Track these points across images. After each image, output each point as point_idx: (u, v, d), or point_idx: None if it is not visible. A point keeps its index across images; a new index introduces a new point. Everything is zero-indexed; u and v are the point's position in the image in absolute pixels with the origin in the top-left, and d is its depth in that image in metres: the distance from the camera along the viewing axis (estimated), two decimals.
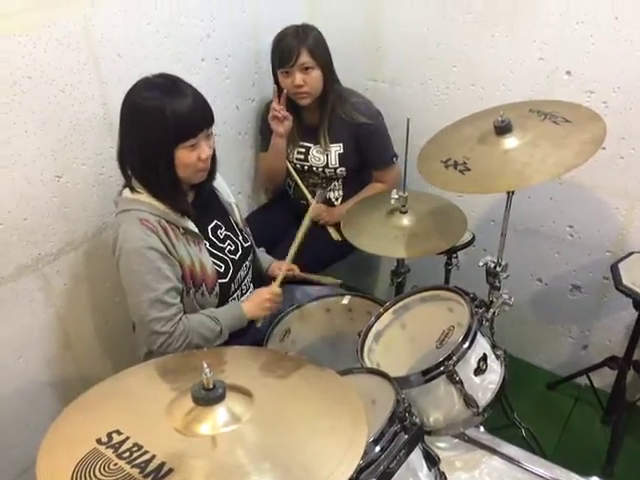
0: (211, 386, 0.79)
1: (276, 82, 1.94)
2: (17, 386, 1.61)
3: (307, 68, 1.86)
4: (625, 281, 1.66)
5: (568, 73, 1.74)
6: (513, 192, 1.45)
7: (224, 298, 1.57)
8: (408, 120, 1.54)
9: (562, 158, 1.28)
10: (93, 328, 1.79)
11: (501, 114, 1.38)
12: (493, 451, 1.32)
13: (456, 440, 1.35)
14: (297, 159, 2.08)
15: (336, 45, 1.93)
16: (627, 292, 1.64)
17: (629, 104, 1.68)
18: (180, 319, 1.44)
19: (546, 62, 1.76)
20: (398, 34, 2.02)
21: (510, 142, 1.37)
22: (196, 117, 1.35)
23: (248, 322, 1.58)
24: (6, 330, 1.54)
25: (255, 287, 1.73)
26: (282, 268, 1.69)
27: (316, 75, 1.88)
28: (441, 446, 1.32)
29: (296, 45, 1.83)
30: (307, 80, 1.87)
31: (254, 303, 1.58)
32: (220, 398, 0.79)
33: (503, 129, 1.37)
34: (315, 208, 1.74)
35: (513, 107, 1.49)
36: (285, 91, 1.91)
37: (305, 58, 1.84)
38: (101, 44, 1.54)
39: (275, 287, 1.61)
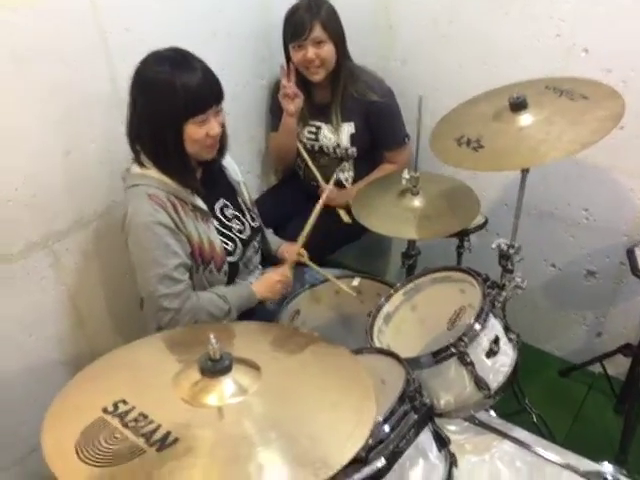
0: (218, 357, 0.78)
1: (287, 57, 1.92)
2: (28, 363, 1.61)
3: (320, 42, 1.83)
4: None
5: (585, 50, 1.69)
6: (528, 171, 1.41)
7: (233, 277, 1.57)
8: (420, 98, 1.51)
9: (579, 135, 1.24)
10: (104, 305, 1.79)
11: (517, 90, 1.34)
12: (504, 435, 1.29)
13: (466, 423, 1.33)
14: (308, 138, 2.05)
15: (347, 23, 1.89)
16: None
17: None
18: (188, 296, 1.43)
19: (563, 39, 1.71)
20: (410, 11, 1.98)
21: (525, 119, 1.33)
22: (205, 92, 1.33)
23: (257, 303, 1.56)
24: (17, 307, 1.54)
25: (264, 268, 1.72)
26: (292, 251, 1.67)
27: (329, 49, 1.84)
28: (451, 429, 1.30)
29: (309, 19, 1.80)
30: (320, 54, 1.84)
31: (265, 285, 1.57)
32: (227, 370, 0.78)
33: (518, 106, 1.33)
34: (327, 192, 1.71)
35: (529, 84, 1.45)
36: (294, 68, 1.88)
37: (318, 32, 1.81)
38: (108, 17, 1.52)
39: (286, 270, 1.61)
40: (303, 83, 1.93)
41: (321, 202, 1.67)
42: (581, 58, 1.70)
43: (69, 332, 1.70)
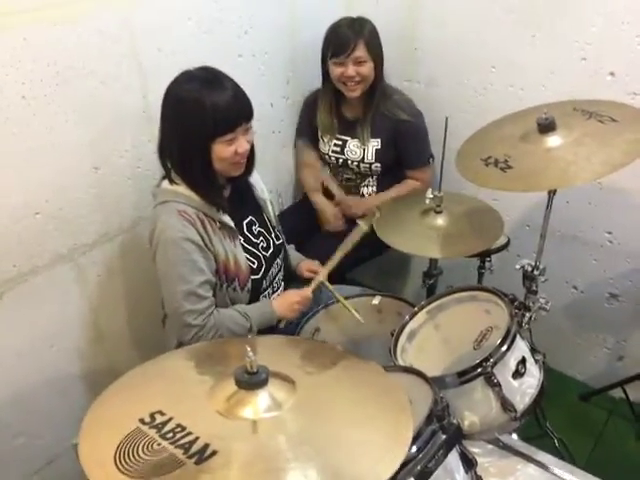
0: (255, 370, 0.78)
1: (324, 72, 1.95)
2: (47, 375, 1.63)
3: (361, 61, 1.86)
4: None
5: (612, 74, 1.70)
6: (555, 192, 1.41)
7: (255, 294, 1.56)
8: (447, 119, 1.53)
9: (609, 157, 1.24)
10: (125, 322, 1.80)
11: (545, 112, 1.34)
12: (528, 458, 1.27)
13: (490, 446, 1.31)
14: (333, 151, 2.07)
15: None
16: None
17: None
18: (212, 313, 1.44)
19: (588, 63, 1.72)
20: (436, 34, 2.00)
21: (554, 140, 1.33)
22: (235, 111, 1.35)
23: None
24: (40, 318, 1.55)
25: (285, 285, 1.72)
26: (317, 274, 1.68)
27: (369, 67, 1.88)
28: (475, 451, 1.27)
29: (353, 37, 1.83)
30: (360, 71, 1.87)
31: (284, 303, 1.57)
32: (263, 383, 0.78)
33: (547, 127, 1.34)
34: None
35: (556, 106, 1.45)
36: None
37: (361, 52, 1.85)
38: (142, 37, 1.56)
39: (308, 292, 1.60)
40: (335, 97, 1.98)
41: (354, 236, 1.66)
42: (607, 82, 1.71)
43: (88, 346, 1.71)
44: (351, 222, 1.98)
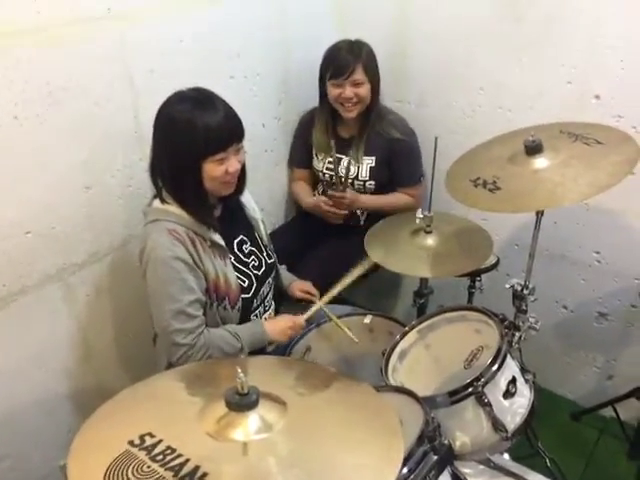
0: (245, 391, 0.78)
1: (322, 92, 1.99)
2: (35, 396, 1.61)
3: (359, 83, 1.90)
4: None
5: (597, 97, 1.74)
6: (542, 213, 1.43)
7: (246, 313, 1.56)
8: (436, 139, 1.55)
9: (595, 178, 1.26)
10: (113, 340, 1.79)
11: (532, 134, 1.37)
12: (520, 478, 1.27)
13: (482, 466, 1.31)
14: (327, 168, 2.09)
15: None
16: None
17: None
18: (202, 332, 1.43)
19: (574, 86, 1.76)
20: (426, 56, 2.04)
21: (541, 162, 1.36)
22: (226, 131, 1.36)
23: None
24: (28, 339, 1.54)
25: (276, 304, 1.72)
26: (308, 292, 1.71)
27: (366, 89, 1.93)
28: (467, 472, 1.27)
29: (352, 60, 1.89)
30: (358, 93, 1.92)
31: (277, 328, 1.56)
32: (254, 404, 0.78)
33: (534, 149, 1.36)
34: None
35: (543, 128, 1.48)
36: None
37: (359, 75, 1.90)
38: (135, 59, 1.58)
39: (302, 320, 1.60)
40: (332, 117, 2.03)
41: (357, 272, 1.66)
42: (592, 104, 1.74)
43: (77, 365, 1.69)
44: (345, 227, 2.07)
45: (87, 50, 1.46)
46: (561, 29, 1.72)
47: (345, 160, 2.05)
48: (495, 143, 1.54)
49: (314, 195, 2.21)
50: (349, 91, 1.91)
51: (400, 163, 2.04)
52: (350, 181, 2.07)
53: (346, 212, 2.07)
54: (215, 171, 1.37)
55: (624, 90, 1.68)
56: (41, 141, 1.43)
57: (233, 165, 1.39)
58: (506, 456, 1.42)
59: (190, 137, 1.33)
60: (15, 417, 1.56)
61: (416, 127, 2.07)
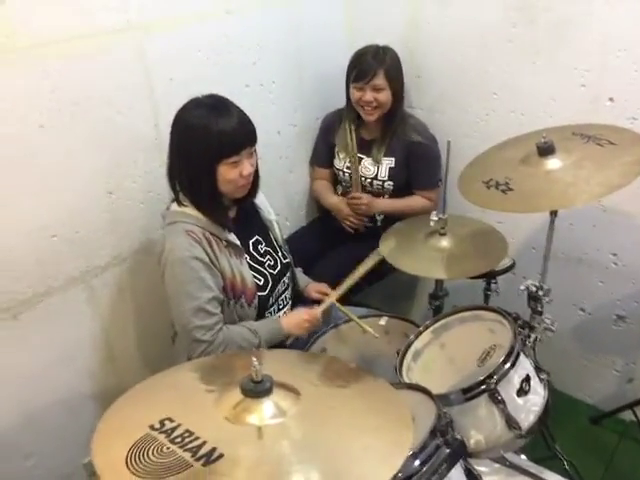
0: (259, 379, 0.81)
1: (348, 94, 2.03)
2: (59, 396, 1.65)
3: (380, 89, 1.94)
4: None
5: (611, 100, 1.74)
6: (556, 213, 1.44)
7: (262, 311, 1.60)
8: (449, 142, 1.57)
9: (607, 178, 1.27)
10: (135, 341, 1.83)
11: (544, 136, 1.38)
12: (535, 477, 1.28)
13: (497, 465, 1.32)
14: (347, 167, 2.12)
15: None
16: None
17: None
18: (221, 329, 1.47)
19: (588, 89, 1.77)
20: (437, 61, 2.07)
21: (553, 163, 1.37)
22: (240, 135, 1.41)
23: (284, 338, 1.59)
24: (53, 339, 1.59)
25: (293, 304, 1.75)
26: (325, 294, 1.72)
27: (386, 95, 1.96)
28: (482, 470, 1.28)
29: (374, 65, 1.93)
30: (378, 98, 1.96)
31: (293, 321, 1.60)
32: (268, 391, 0.81)
33: (546, 150, 1.38)
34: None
35: (555, 130, 1.49)
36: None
37: (380, 80, 1.93)
38: (155, 69, 1.63)
39: (317, 311, 1.63)
40: (356, 118, 2.07)
41: (367, 265, 1.71)
42: (607, 107, 1.75)
43: (100, 366, 1.73)
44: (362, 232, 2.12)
45: (109, 60, 1.52)
46: (574, 32, 1.74)
47: (365, 161, 2.09)
48: (508, 145, 1.56)
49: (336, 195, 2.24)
50: (369, 95, 1.95)
51: (419, 166, 2.07)
52: (369, 181, 2.10)
53: (363, 220, 2.11)
54: (229, 174, 1.41)
55: (638, 92, 1.69)
56: (66, 148, 1.48)
57: (247, 168, 1.44)
58: (523, 457, 1.42)
59: (205, 141, 1.38)
60: (40, 416, 1.61)
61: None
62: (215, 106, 1.41)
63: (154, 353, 1.87)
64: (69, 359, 1.64)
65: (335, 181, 2.27)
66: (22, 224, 1.44)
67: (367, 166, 2.10)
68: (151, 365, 1.88)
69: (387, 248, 1.67)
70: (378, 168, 2.08)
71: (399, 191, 2.11)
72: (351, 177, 2.13)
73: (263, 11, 1.90)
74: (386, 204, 2.11)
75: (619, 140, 1.39)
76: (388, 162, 2.06)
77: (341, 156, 2.15)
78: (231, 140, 1.39)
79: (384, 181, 2.08)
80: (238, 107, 1.45)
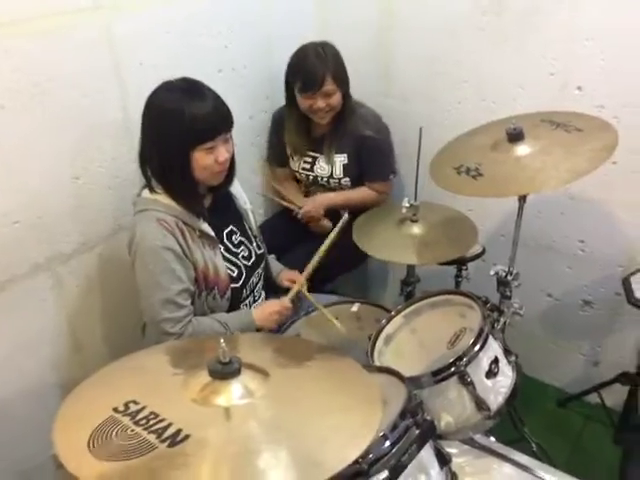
0: (227, 360, 0.80)
1: (290, 97, 1.97)
2: (26, 386, 1.62)
3: (330, 94, 1.88)
4: (638, 294, 1.65)
5: (579, 88, 1.77)
6: (525, 199, 1.45)
7: (235, 303, 1.58)
8: (421, 129, 1.57)
9: (575, 164, 1.29)
10: (102, 331, 1.80)
11: (513, 122, 1.40)
12: (504, 458, 1.30)
13: (466, 446, 1.33)
14: (303, 169, 2.11)
15: (347, 61, 1.95)
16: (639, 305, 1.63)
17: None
18: (190, 321, 1.45)
19: (556, 77, 1.79)
20: (408, 50, 2.07)
21: (522, 149, 1.39)
22: (215, 120, 1.38)
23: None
24: (17, 328, 1.55)
25: (266, 294, 1.74)
26: (295, 282, 1.71)
27: (337, 98, 1.91)
28: (452, 452, 1.29)
29: (321, 71, 1.84)
30: (330, 103, 1.90)
31: (264, 313, 1.59)
32: (236, 373, 0.80)
33: (515, 136, 1.39)
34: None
35: (525, 117, 1.51)
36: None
37: (330, 85, 1.86)
38: (123, 51, 1.59)
39: (286, 301, 1.63)
40: (303, 119, 2.01)
41: (330, 238, 1.71)
42: (575, 95, 1.77)
43: (66, 356, 1.70)
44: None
45: (74, 41, 1.47)
46: (542, 21, 1.75)
47: (319, 159, 2.07)
48: (478, 132, 1.57)
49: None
50: (320, 102, 1.88)
51: (369, 159, 2.04)
52: (326, 179, 2.08)
53: (323, 222, 2.08)
54: (205, 160, 1.38)
55: (605, 80, 1.71)
56: (28, 131, 1.44)
57: (222, 154, 1.41)
58: (492, 439, 1.44)
59: (179, 126, 1.34)
60: (4, 407, 1.57)
61: (402, 120, 2.10)
62: (189, 90, 1.38)
63: (122, 344, 1.83)
64: (34, 348, 1.61)
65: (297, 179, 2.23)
66: None
67: (321, 165, 2.07)
68: (119, 356, 1.81)
69: (358, 233, 1.66)
70: (332, 166, 2.05)
71: (358, 185, 2.10)
72: (308, 178, 2.10)
73: None
74: (326, 199, 2.07)
75: (586, 127, 1.41)
76: (341, 159, 2.04)
77: (295, 158, 2.12)
78: (206, 125, 1.35)
79: (340, 178, 2.07)
80: (213, 91, 1.41)
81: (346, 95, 1.95)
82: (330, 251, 1.75)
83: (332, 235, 1.72)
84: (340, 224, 1.74)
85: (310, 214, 2.06)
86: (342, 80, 1.90)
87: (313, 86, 1.85)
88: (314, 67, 1.85)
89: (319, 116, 1.95)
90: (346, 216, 1.77)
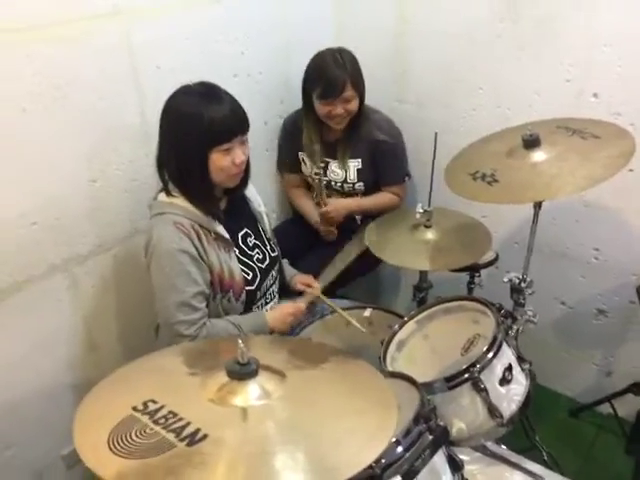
0: (245, 361, 0.81)
1: (307, 102, 1.98)
2: (39, 385, 1.63)
3: (349, 100, 1.90)
4: None
5: (595, 95, 1.76)
6: (540, 206, 1.45)
7: (250, 305, 1.59)
8: (436, 134, 1.57)
9: (591, 171, 1.29)
10: (117, 332, 1.81)
11: (529, 128, 1.40)
12: (515, 466, 1.29)
13: (478, 454, 1.33)
14: (316, 173, 2.11)
15: (363, 67, 1.96)
16: None
17: None
18: (204, 324, 1.46)
19: (573, 84, 1.79)
20: (424, 57, 2.07)
21: (538, 155, 1.39)
22: (232, 122, 1.40)
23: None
24: (33, 328, 1.57)
25: (280, 297, 1.75)
26: (312, 287, 1.73)
27: (355, 103, 1.92)
28: (464, 458, 1.27)
29: (341, 78, 1.84)
30: (348, 109, 1.91)
31: (278, 316, 1.59)
32: (253, 373, 0.81)
33: (531, 143, 1.39)
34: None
35: (541, 123, 1.51)
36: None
37: (349, 91, 1.87)
38: (141, 56, 1.61)
39: (301, 305, 1.64)
40: (318, 123, 2.01)
41: (351, 256, 1.74)
42: (591, 102, 1.77)
43: (81, 356, 1.72)
44: (343, 231, 2.07)
45: (93, 46, 1.49)
46: (559, 28, 1.75)
47: (332, 164, 2.07)
48: (493, 139, 1.58)
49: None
50: (340, 108, 1.89)
51: (383, 163, 2.04)
52: (340, 184, 2.09)
53: (334, 229, 2.09)
54: (222, 162, 1.40)
55: (622, 87, 1.70)
56: (48, 134, 1.46)
57: (239, 156, 1.42)
58: (504, 447, 1.43)
59: (197, 128, 1.36)
60: (20, 406, 1.59)
61: (417, 126, 2.11)
62: (206, 93, 1.40)
63: (137, 345, 1.85)
64: (50, 348, 1.63)
65: (308, 185, 2.24)
66: (1, 210, 1.41)
67: (335, 170, 2.07)
68: (133, 357, 1.82)
69: (371, 239, 1.67)
70: (346, 171, 2.06)
71: (372, 190, 2.10)
72: (321, 182, 2.10)
73: (250, 2, 1.88)
74: (352, 204, 2.08)
75: (603, 134, 1.41)
76: (355, 164, 2.04)
77: (307, 163, 2.12)
78: (223, 127, 1.38)
79: (354, 183, 2.07)
80: (229, 94, 1.43)
81: (362, 100, 1.96)
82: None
83: (353, 253, 1.71)
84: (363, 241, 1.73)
85: (330, 215, 2.05)
86: (359, 84, 1.92)
87: (333, 93, 1.86)
88: (334, 74, 1.86)
89: (336, 121, 1.96)
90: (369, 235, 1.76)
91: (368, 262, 1.84)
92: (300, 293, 1.76)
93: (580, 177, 1.29)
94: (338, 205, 2.06)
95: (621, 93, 1.71)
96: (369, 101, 2.02)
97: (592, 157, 1.32)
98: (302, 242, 2.17)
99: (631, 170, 1.74)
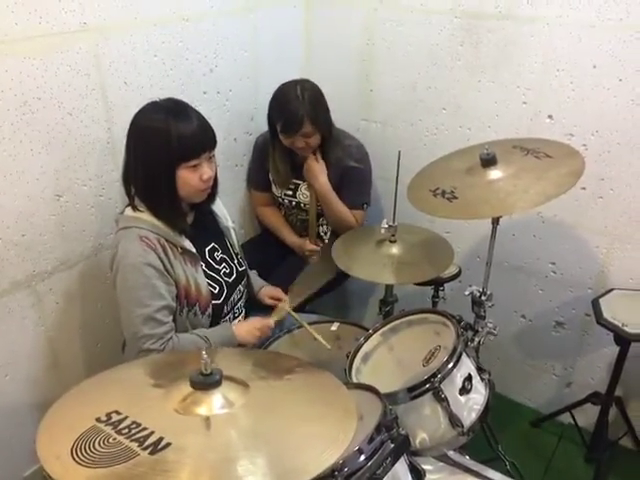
0: (208, 372, 0.82)
1: (273, 130, 2.00)
2: (2, 403, 1.60)
3: (309, 135, 1.93)
4: (606, 315, 1.71)
5: (550, 117, 1.85)
6: (498, 221, 1.51)
7: (216, 319, 1.60)
8: (399, 152, 1.62)
9: (544, 188, 1.35)
10: (81, 349, 1.79)
11: (487, 148, 1.46)
12: (478, 475, 1.32)
13: (441, 463, 1.35)
14: (286, 195, 2.14)
15: (331, 87, 2.02)
16: (608, 326, 1.69)
17: (607, 147, 1.77)
18: (170, 338, 1.46)
19: (529, 106, 1.87)
20: (389, 78, 2.14)
21: (495, 174, 1.45)
22: (199, 138, 1.42)
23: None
24: None
25: (247, 311, 1.76)
26: (279, 299, 1.75)
27: (316, 138, 1.96)
28: (427, 468, 1.31)
29: (300, 114, 1.87)
30: (307, 142, 1.95)
31: (245, 328, 1.60)
32: (217, 384, 0.83)
33: (488, 161, 1.45)
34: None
35: (498, 143, 1.57)
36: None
37: (308, 128, 1.90)
38: (109, 72, 1.62)
39: (270, 321, 1.65)
40: (286, 148, 2.03)
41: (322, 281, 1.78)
42: (546, 123, 1.85)
43: (44, 374, 1.70)
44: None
45: (61, 61, 1.50)
46: (516, 53, 1.83)
47: (302, 186, 2.11)
48: (453, 157, 1.63)
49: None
50: (300, 142, 1.94)
51: (347, 186, 2.07)
52: (308, 206, 2.11)
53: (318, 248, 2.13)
54: (189, 178, 1.42)
55: (575, 110, 1.79)
56: (14, 149, 1.45)
57: (206, 172, 1.44)
58: (467, 457, 1.47)
59: (164, 144, 1.37)
60: None
61: (382, 144, 2.17)
62: (174, 110, 1.42)
63: (102, 361, 1.84)
64: (11, 366, 1.60)
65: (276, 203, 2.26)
66: None
67: (304, 192, 2.11)
68: (98, 373, 1.84)
69: (343, 262, 1.69)
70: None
71: None
72: (291, 203, 2.14)
73: (220, 20, 1.92)
74: (328, 186, 2.04)
75: (555, 153, 1.48)
76: None
77: (278, 184, 2.15)
78: (191, 143, 1.39)
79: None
80: (197, 111, 1.46)
81: (326, 132, 1.98)
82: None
83: (324, 278, 1.76)
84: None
85: (312, 167, 2.02)
86: (320, 121, 1.93)
87: (292, 128, 1.90)
88: (293, 110, 1.88)
89: (301, 152, 2.00)
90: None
91: (336, 278, 1.87)
92: (268, 306, 1.77)
93: (534, 194, 1.35)
94: (318, 168, 2.03)
95: (573, 115, 1.80)
96: (337, 120, 2.07)
97: (545, 175, 1.39)
98: (270, 257, 2.19)
99: (584, 188, 1.83)
